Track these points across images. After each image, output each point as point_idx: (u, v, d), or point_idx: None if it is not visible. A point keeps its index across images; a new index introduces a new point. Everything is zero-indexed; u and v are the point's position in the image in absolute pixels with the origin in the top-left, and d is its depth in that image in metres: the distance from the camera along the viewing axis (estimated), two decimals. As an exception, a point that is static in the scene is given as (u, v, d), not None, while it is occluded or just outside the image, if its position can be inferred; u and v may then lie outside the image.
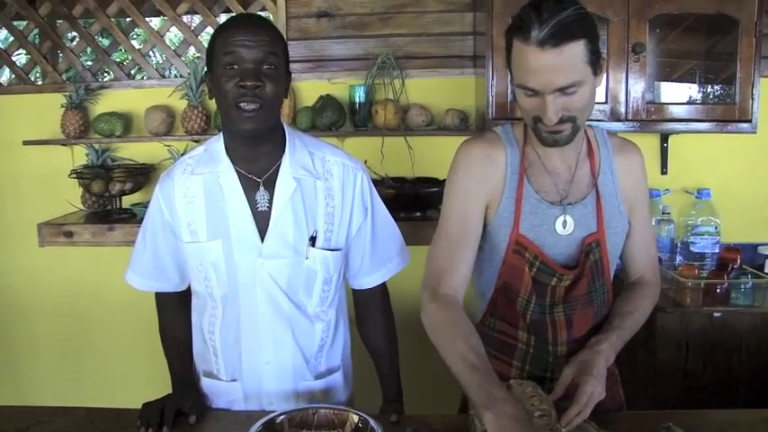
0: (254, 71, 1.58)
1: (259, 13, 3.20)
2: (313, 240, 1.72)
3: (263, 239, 1.69)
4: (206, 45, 3.23)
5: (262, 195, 1.69)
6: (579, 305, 1.67)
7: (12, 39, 3.32)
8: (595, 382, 1.48)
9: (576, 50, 1.43)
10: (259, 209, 1.69)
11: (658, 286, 1.81)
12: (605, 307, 1.73)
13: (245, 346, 1.76)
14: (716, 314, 2.51)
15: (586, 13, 1.47)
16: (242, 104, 1.58)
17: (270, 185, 1.69)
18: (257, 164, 1.70)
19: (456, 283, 1.58)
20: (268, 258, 1.69)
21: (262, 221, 1.69)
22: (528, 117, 1.55)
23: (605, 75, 2.61)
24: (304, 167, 1.72)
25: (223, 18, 3.28)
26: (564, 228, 1.63)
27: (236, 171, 1.69)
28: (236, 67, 1.58)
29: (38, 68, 3.38)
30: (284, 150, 1.72)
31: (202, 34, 3.27)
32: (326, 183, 1.74)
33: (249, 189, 1.69)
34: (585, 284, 1.65)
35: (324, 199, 1.73)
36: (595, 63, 1.48)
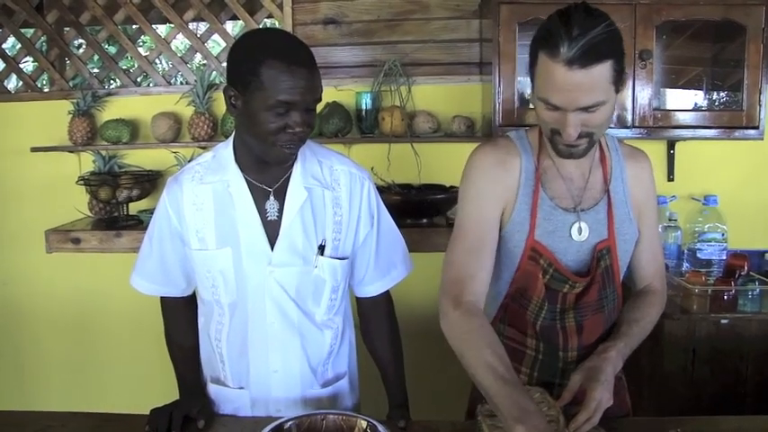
0: (304, 116, 1.57)
1: (266, 20, 3.22)
2: (322, 249, 1.72)
3: (272, 248, 1.69)
4: (212, 52, 3.25)
5: (272, 205, 1.69)
6: (590, 312, 1.67)
7: (19, 46, 3.34)
8: (603, 389, 1.47)
9: (603, 71, 1.41)
10: (268, 218, 1.69)
11: (665, 294, 1.81)
12: (616, 313, 1.73)
13: (252, 354, 1.76)
14: (723, 321, 2.50)
15: (616, 29, 1.44)
16: (286, 148, 1.59)
17: (280, 195, 1.69)
18: (267, 173, 1.69)
19: (478, 291, 1.57)
20: (277, 267, 1.69)
21: (271, 230, 1.69)
22: (546, 128, 1.55)
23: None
24: (314, 177, 1.72)
25: (229, 25, 3.30)
26: (579, 234, 1.63)
27: (246, 179, 1.69)
28: (286, 110, 1.54)
29: (45, 76, 3.39)
30: (295, 160, 1.71)
31: (209, 41, 3.28)
32: (334, 192, 1.74)
33: (258, 197, 1.69)
34: (596, 291, 1.66)
35: (332, 208, 1.73)
36: (619, 81, 1.46)
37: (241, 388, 1.80)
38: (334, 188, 1.74)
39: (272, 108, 1.53)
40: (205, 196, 1.71)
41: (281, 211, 1.69)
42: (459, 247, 1.62)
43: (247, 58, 1.56)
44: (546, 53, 1.43)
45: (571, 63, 1.39)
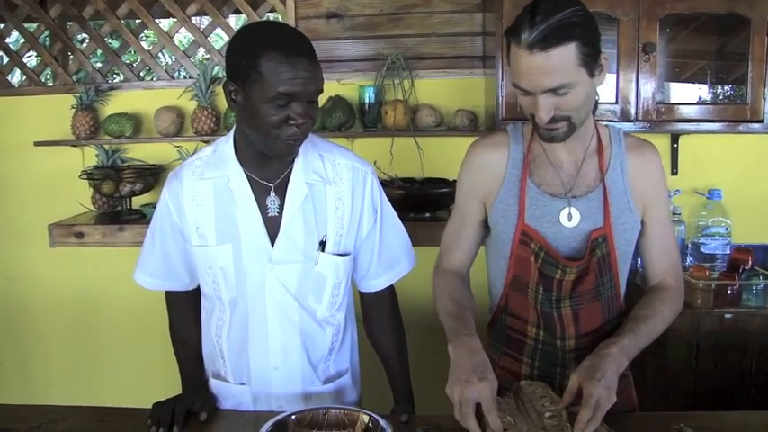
0: (306, 108, 1.55)
1: (268, 14, 3.22)
2: (323, 245, 1.71)
3: (272, 244, 1.68)
4: (215, 46, 3.25)
5: (272, 201, 1.68)
6: (586, 300, 1.68)
7: (23, 41, 3.34)
8: (599, 386, 1.44)
9: (566, 53, 1.45)
10: (269, 214, 1.68)
11: (680, 292, 1.76)
12: (614, 302, 1.72)
13: (252, 351, 1.75)
14: (727, 315, 2.50)
15: (584, 15, 1.48)
16: (290, 140, 1.56)
17: (281, 191, 1.68)
18: (268, 169, 1.68)
19: (453, 262, 1.80)
20: (278, 264, 1.68)
21: (272, 226, 1.67)
22: (526, 113, 1.60)
23: (615, 74, 2.63)
24: (316, 172, 1.71)
25: (232, 19, 3.30)
26: (569, 220, 1.66)
27: (246, 175, 1.67)
28: (287, 102, 1.52)
29: (48, 70, 3.40)
30: (296, 155, 1.69)
31: (212, 35, 3.27)
32: (336, 187, 1.72)
33: (259, 193, 1.68)
34: (593, 279, 1.66)
35: (334, 204, 1.72)
36: (591, 64, 1.49)
37: (242, 384, 1.79)
38: (337, 183, 1.72)
39: (273, 100, 1.51)
40: (205, 192, 1.70)
41: (281, 207, 1.67)
42: (447, 228, 1.84)
43: (246, 51, 1.53)
44: (512, 40, 1.49)
45: (531, 47, 1.45)
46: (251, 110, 1.54)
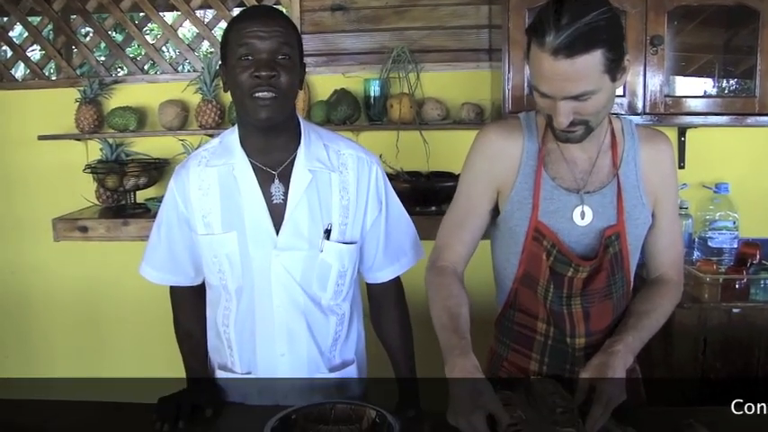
0: (268, 61, 1.58)
1: (273, 6, 3.20)
2: (328, 233, 1.71)
3: (277, 232, 1.68)
4: (220, 39, 3.24)
5: (276, 188, 1.69)
6: (597, 298, 1.66)
7: (26, 34, 3.34)
8: (612, 384, 1.45)
9: (591, 61, 1.40)
10: (274, 201, 1.68)
11: (681, 286, 1.76)
12: (625, 300, 1.71)
13: (259, 338, 1.75)
14: (734, 310, 2.48)
15: (611, 17, 1.42)
16: (257, 94, 1.58)
17: (285, 178, 1.69)
18: (272, 156, 1.69)
19: (452, 259, 1.67)
20: (283, 250, 1.69)
21: (276, 214, 1.68)
22: (543, 113, 1.56)
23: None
24: (319, 160, 1.72)
25: (237, 12, 3.28)
26: (582, 219, 1.62)
27: (251, 163, 1.69)
28: (250, 57, 1.58)
29: (52, 63, 3.39)
30: (299, 143, 1.71)
31: (216, 28, 3.26)
32: (341, 176, 1.73)
33: (264, 181, 1.69)
34: (605, 277, 1.64)
35: (338, 192, 1.73)
36: (614, 69, 1.44)
37: (248, 373, 1.79)
38: (341, 171, 1.74)
39: (240, 59, 1.58)
40: (211, 180, 1.71)
41: (286, 194, 1.68)
42: (447, 219, 1.72)
43: (225, 33, 1.65)
44: (535, 42, 1.43)
45: (556, 53, 1.39)
46: (231, 81, 1.62)
